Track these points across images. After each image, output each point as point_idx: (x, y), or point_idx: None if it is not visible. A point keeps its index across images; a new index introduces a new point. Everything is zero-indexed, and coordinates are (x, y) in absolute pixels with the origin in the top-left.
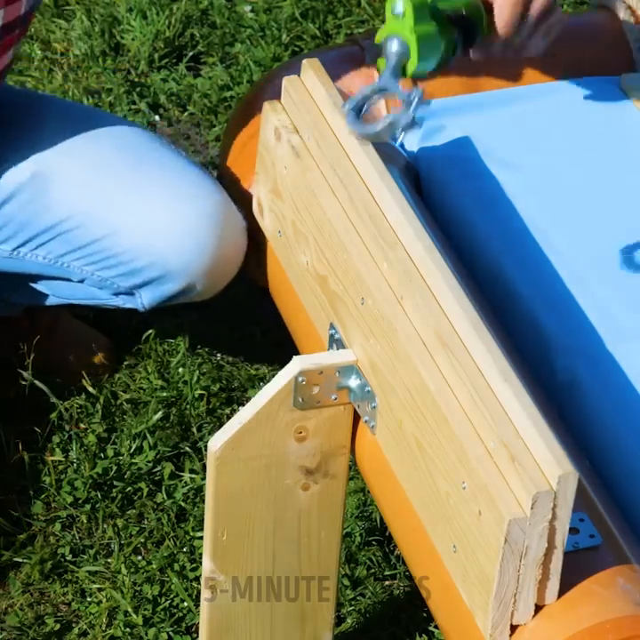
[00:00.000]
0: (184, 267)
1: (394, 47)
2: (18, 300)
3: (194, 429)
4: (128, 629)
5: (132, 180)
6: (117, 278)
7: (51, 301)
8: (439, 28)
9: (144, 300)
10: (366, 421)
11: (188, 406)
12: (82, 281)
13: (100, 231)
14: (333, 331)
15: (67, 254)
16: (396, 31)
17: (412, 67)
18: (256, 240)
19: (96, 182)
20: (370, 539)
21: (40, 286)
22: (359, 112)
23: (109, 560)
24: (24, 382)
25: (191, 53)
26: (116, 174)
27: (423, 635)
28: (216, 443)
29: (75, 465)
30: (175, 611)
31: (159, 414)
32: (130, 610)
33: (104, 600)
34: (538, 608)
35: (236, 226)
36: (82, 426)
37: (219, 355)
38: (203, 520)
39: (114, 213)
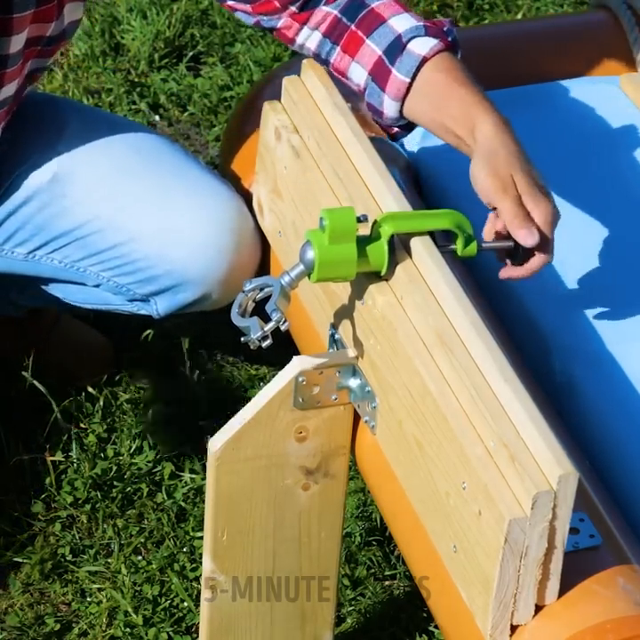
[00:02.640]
0: (202, 275)
1: (307, 255)
2: (27, 303)
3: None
4: (128, 629)
5: (151, 186)
6: (134, 285)
7: (62, 305)
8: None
9: (159, 307)
10: (366, 421)
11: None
12: (97, 286)
13: (117, 237)
14: (333, 331)
15: (83, 259)
16: (315, 240)
17: (312, 279)
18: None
19: (115, 188)
20: (370, 539)
21: (52, 289)
22: (245, 307)
23: (109, 560)
24: (24, 383)
25: (191, 53)
26: (135, 181)
27: (423, 635)
28: (216, 443)
29: (75, 465)
30: (175, 611)
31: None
32: (130, 610)
33: (104, 600)
34: (538, 608)
35: (251, 232)
36: (82, 426)
37: (219, 355)
38: (203, 520)
39: (132, 220)
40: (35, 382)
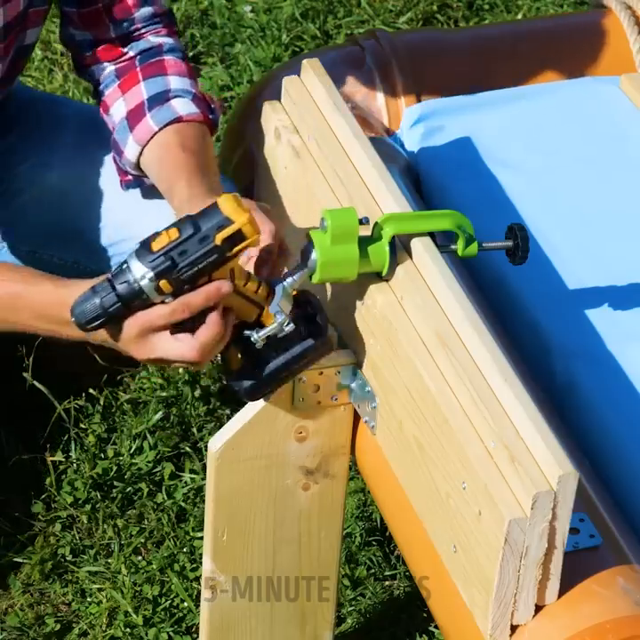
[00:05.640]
0: None
1: (309, 255)
2: None
3: (194, 429)
4: (128, 629)
5: (153, 185)
6: None
7: None
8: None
9: None
10: (366, 422)
11: (187, 406)
12: None
13: (116, 235)
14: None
15: (82, 257)
16: (317, 240)
17: (314, 279)
18: None
19: (115, 187)
20: (370, 539)
21: None
22: None
23: (109, 560)
24: (24, 383)
25: (191, 53)
26: None
27: (423, 635)
28: (216, 443)
29: (75, 465)
30: (175, 611)
31: (159, 414)
32: (130, 610)
33: (104, 600)
34: (538, 608)
35: None
36: (82, 426)
37: (219, 355)
38: (203, 520)
39: (131, 217)
40: (35, 382)
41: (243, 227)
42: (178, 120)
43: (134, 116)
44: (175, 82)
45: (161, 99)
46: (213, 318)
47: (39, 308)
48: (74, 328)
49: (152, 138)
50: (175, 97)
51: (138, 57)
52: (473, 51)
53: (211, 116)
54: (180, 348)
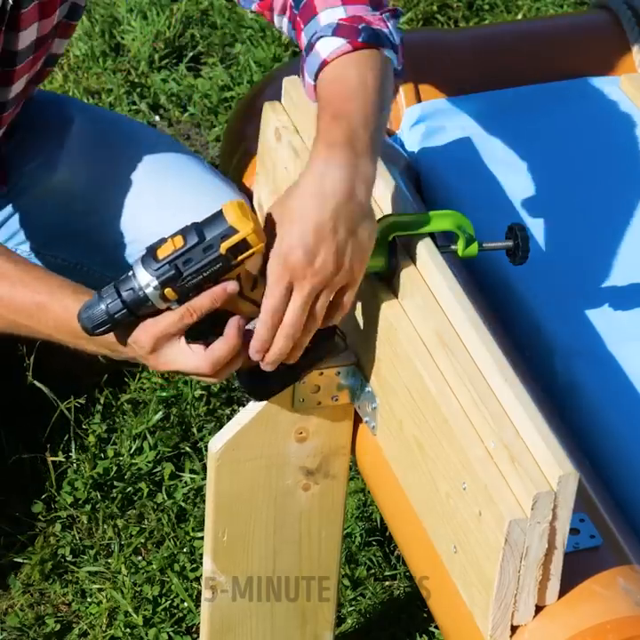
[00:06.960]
0: None
1: None
2: None
3: (194, 429)
4: (128, 630)
5: (153, 185)
6: None
7: None
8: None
9: None
10: (367, 422)
11: (188, 406)
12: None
13: (120, 237)
14: None
15: (86, 259)
16: None
17: None
18: None
19: (120, 189)
20: (370, 539)
21: None
22: None
23: (109, 560)
24: (25, 383)
25: (191, 54)
26: (138, 180)
27: (423, 635)
28: (216, 443)
29: (75, 465)
30: (175, 611)
31: (159, 414)
32: (130, 610)
33: (104, 600)
34: (538, 608)
35: None
36: (82, 426)
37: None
38: (203, 520)
39: (134, 219)
40: (36, 382)
41: (247, 236)
42: (324, 64)
43: (302, 73)
44: (324, 18)
45: (309, 47)
46: (229, 332)
47: (61, 321)
48: (96, 343)
49: (316, 92)
50: (318, 39)
51: (292, 3)
52: (473, 51)
53: (360, 39)
54: (195, 360)
